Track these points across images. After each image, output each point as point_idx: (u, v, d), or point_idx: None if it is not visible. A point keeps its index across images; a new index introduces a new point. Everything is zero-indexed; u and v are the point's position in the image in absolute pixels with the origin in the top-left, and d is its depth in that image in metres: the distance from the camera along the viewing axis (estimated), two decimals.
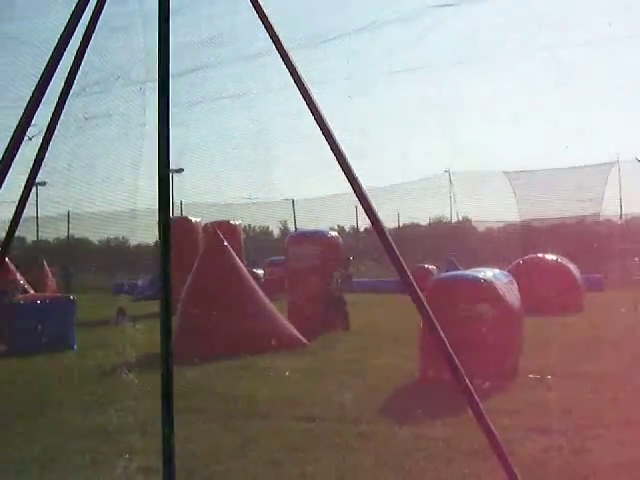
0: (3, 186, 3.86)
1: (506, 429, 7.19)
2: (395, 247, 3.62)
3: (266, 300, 16.50)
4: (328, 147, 3.83)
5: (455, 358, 3.64)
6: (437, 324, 3.66)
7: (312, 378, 11.89)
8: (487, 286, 11.82)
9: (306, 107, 3.86)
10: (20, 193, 4.30)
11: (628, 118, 62.62)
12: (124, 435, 8.12)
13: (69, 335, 17.18)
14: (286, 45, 3.87)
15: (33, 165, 4.18)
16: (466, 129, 64.22)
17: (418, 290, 3.63)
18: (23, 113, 3.71)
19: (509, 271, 16.60)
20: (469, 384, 3.61)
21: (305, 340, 15.89)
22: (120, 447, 7.64)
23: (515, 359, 11.84)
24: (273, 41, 3.89)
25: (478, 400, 3.61)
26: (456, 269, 24.07)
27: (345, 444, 8.05)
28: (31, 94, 3.74)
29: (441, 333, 3.65)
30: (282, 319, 16.56)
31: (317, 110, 3.82)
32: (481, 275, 12.30)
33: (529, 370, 11.58)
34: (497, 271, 13.67)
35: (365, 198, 3.66)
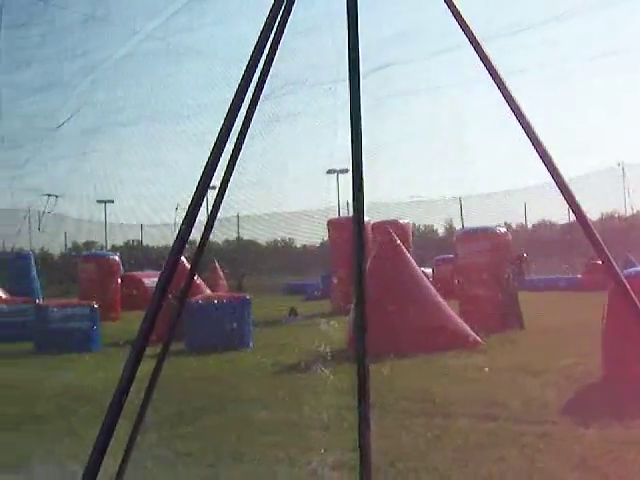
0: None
1: None
2: (602, 241, 3.50)
3: (439, 298, 16.45)
4: (522, 139, 3.76)
5: None
6: None
7: (489, 377, 11.74)
8: None
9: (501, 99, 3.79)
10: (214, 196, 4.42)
11: None
12: (312, 430, 8.25)
13: (245, 333, 17.68)
14: (479, 36, 3.82)
15: (227, 168, 4.28)
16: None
17: (627, 284, 3.50)
18: (225, 118, 3.79)
19: None
20: None
21: (479, 338, 15.69)
22: (310, 442, 7.77)
23: None
24: (465, 33, 3.84)
25: None
26: (633, 266, 23.24)
27: (530, 444, 7.86)
28: (232, 99, 3.82)
29: None
30: (455, 317, 16.44)
31: (514, 101, 3.75)
32: None
33: None
34: None
35: (568, 190, 3.56)
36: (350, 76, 4.18)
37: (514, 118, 3.73)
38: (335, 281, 27.92)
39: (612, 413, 8.78)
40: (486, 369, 12.16)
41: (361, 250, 4.24)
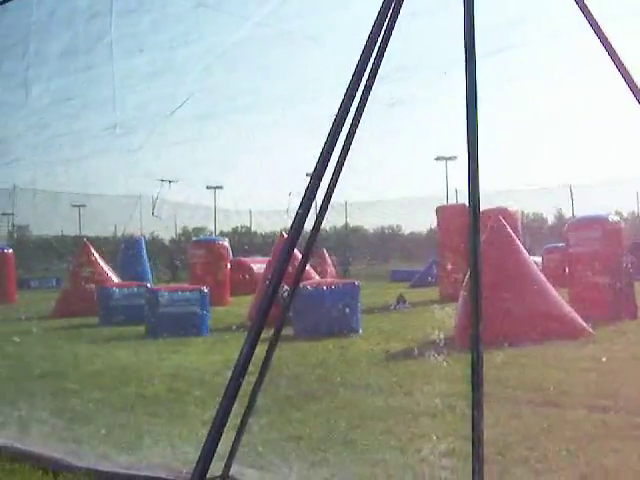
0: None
1: None
2: None
3: (549, 286, 16.19)
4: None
5: None
6: None
7: (602, 367, 11.46)
8: None
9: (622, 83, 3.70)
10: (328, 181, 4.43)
11: None
12: (423, 417, 8.24)
13: (354, 319, 17.74)
14: (600, 20, 3.74)
15: (340, 153, 4.29)
16: None
17: None
18: (341, 103, 3.80)
19: None
20: None
21: (590, 328, 15.37)
22: (420, 429, 7.76)
23: None
24: (585, 16, 3.77)
25: None
26: None
27: None
28: (348, 84, 3.84)
29: None
30: (566, 306, 16.15)
31: (635, 86, 3.66)
32: None
33: None
34: None
35: None
36: (466, 61, 4.13)
37: (635, 103, 3.65)
38: (449, 267, 27.59)
39: None
40: (600, 359, 11.91)
41: (476, 238, 4.20)
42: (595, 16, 3.80)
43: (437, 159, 47.76)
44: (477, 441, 4.46)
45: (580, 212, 38.97)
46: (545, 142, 70.59)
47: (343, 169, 4.38)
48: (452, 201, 41.31)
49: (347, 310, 17.33)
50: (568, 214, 44.95)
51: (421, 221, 49.34)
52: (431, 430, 7.52)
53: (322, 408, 9.49)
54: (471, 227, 4.17)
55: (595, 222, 21.18)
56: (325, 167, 3.66)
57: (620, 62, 3.68)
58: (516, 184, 47.36)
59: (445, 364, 9.24)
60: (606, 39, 3.71)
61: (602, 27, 3.76)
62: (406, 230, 58.32)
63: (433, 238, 35.13)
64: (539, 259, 31.49)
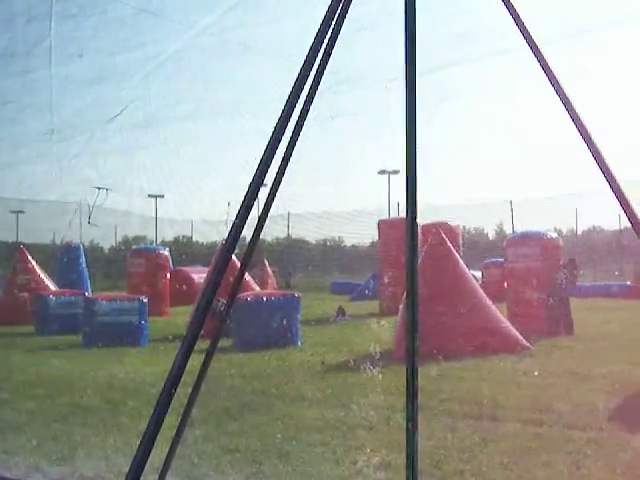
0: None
1: None
2: None
3: (488, 301, 16.35)
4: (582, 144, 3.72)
5: None
6: None
7: (537, 381, 11.62)
8: None
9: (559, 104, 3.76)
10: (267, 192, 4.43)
11: None
12: (359, 430, 8.26)
13: (294, 331, 17.65)
14: (537, 39, 3.79)
15: (280, 165, 4.28)
16: None
17: None
18: (281, 114, 3.80)
19: None
20: None
21: (527, 343, 15.55)
22: (356, 442, 7.78)
23: None
24: (523, 36, 3.81)
25: None
26: None
27: (577, 450, 7.77)
28: (288, 95, 3.83)
29: None
30: (503, 320, 16.33)
31: (570, 104, 3.71)
32: None
33: None
34: None
35: (624, 197, 3.51)
36: (406, 76, 4.16)
37: (570, 121, 3.70)
38: (385, 281, 27.73)
39: None
40: (535, 373, 12.06)
41: (413, 252, 4.22)
42: (533, 35, 3.85)
43: (380, 173, 47.94)
44: (412, 454, 4.47)
45: (521, 228, 39.46)
46: (487, 158, 71.24)
47: (284, 180, 4.37)
48: (394, 215, 41.48)
49: (286, 322, 17.29)
50: (509, 229, 45.34)
51: (363, 234, 49.38)
52: (366, 442, 7.56)
53: (258, 420, 9.47)
54: (408, 241, 4.18)
55: (533, 238, 21.50)
56: (263, 177, 3.65)
57: (555, 79, 3.73)
58: (458, 199, 47.86)
59: (382, 377, 9.28)
60: (543, 58, 3.76)
61: (539, 46, 3.81)
62: (348, 243, 58.36)
63: (375, 251, 35.21)
64: (479, 274, 31.80)
